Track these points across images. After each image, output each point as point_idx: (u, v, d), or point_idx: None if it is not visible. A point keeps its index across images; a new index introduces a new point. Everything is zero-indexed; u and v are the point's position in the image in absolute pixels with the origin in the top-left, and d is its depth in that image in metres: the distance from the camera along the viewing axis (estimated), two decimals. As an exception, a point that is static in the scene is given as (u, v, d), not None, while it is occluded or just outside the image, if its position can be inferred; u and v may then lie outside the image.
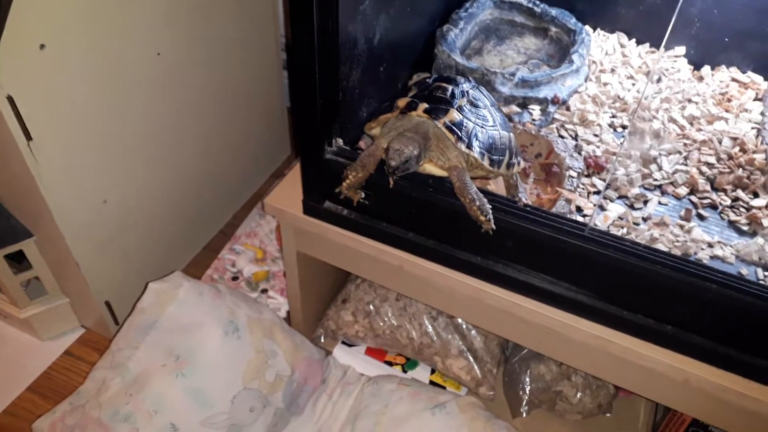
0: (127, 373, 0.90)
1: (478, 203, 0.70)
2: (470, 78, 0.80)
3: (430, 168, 0.75)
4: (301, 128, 0.76)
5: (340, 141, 0.78)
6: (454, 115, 0.72)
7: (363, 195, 0.79)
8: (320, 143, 0.76)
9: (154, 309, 0.92)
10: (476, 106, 0.74)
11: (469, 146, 0.71)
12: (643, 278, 0.67)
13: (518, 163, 0.78)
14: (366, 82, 0.80)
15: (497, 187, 0.84)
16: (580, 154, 0.87)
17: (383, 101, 0.80)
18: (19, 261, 1.06)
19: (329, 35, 0.67)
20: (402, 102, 0.75)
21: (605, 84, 0.98)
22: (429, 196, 0.74)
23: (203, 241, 1.35)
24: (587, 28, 1.03)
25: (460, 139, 0.71)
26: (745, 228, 0.78)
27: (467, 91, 0.75)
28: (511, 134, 0.77)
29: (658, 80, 0.99)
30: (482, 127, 0.73)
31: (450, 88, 0.75)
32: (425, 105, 0.73)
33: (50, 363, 1.13)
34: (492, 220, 0.70)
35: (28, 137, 0.84)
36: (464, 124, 0.72)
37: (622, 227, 0.78)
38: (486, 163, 0.72)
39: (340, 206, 0.83)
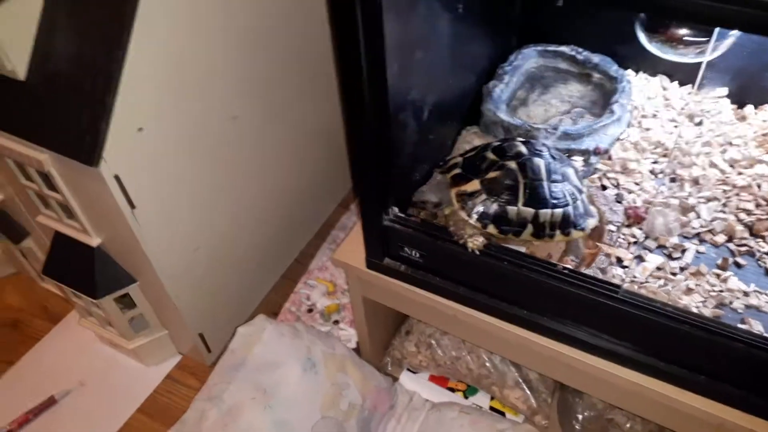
0: (223, 404, 1.04)
1: (452, 229, 0.83)
2: (536, 145, 0.84)
3: None
4: (361, 200, 0.87)
5: (396, 209, 0.87)
6: (470, 186, 0.81)
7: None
8: (378, 214, 0.86)
9: (242, 350, 1.06)
10: (508, 180, 0.80)
11: (471, 215, 0.80)
12: (674, 335, 0.73)
13: (566, 233, 0.82)
14: (418, 151, 0.89)
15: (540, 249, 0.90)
16: (620, 203, 0.92)
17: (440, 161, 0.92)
18: (123, 298, 1.22)
19: (382, 116, 0.74)
20: (452, 161, 0.86)
21: (647, 129, 1.01)
22: (473, 256, 0.82)
23: (281, 270, 1.48)
24: (629, 71, 1.07)
25: (463, 207, 0.81)
26: (781, 276, 0.82)
27: (505, 165, 0.81)
28: (553, 210, 0.80)
29: (699, 123, 1.01)
30: (495, 202, 0.80)
31: (490, 158, 0.82)
32: (457, 171, 0.83)
33: (155, 386, 1.28)
34: (470, 243, 0.81)
35: (132, 206, 0.97)
36: (477, 195, 0.80)
37: (660, 278, 0.83)
38: (492, 230, 0.80)
39: (398, 262, 0.92)
